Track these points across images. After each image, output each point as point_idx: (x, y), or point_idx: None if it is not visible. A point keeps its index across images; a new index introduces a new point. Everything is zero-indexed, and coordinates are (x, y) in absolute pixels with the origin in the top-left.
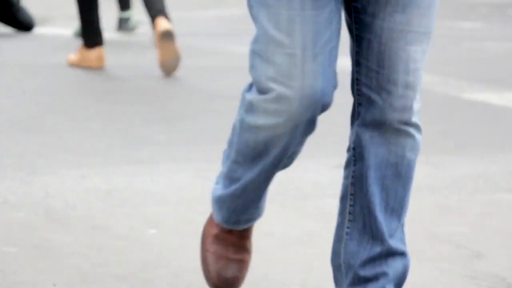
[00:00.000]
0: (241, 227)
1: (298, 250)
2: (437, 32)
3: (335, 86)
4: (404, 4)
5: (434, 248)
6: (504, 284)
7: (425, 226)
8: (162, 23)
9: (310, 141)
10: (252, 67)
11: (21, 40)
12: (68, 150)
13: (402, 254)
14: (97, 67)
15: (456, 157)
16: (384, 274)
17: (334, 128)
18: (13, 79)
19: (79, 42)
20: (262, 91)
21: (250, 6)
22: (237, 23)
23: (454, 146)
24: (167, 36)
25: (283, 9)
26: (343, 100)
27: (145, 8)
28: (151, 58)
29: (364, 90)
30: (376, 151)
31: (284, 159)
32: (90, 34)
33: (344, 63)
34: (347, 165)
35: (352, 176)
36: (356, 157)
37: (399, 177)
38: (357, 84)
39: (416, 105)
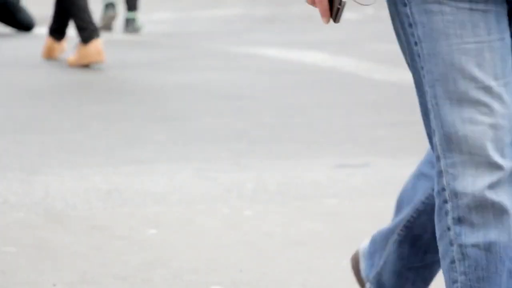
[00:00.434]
0: None
1: (298, 250)
2: None
3: None
4: None
5: None
6: None
7: None
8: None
9: (310, 141)
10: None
11: (21, 40)
12: (68, 150)
13: None
14: (98, 62)
15: None
16: None
17: (334, 128)
18: (13, 79)
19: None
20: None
21: (412, 43)
22: (237, 23)
23: None
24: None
25: (469, 37)
26: (343, 100)
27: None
28: (152, 58)
29: None
30: None
31: None
32: (84, 29)
33: (345, 61)
34: None
35: None
36: None
37: None
38: None
39: None
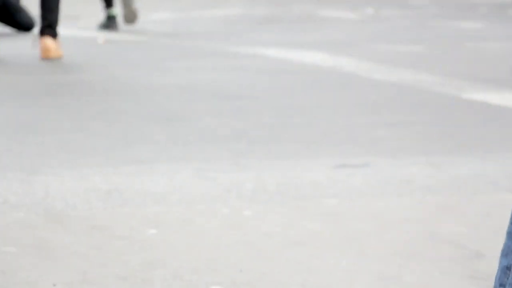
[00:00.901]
0: None
1: (298, 250)
2: (438, 32)
3: None
4: None
5: (434, 248)
6: None
7: (425, 226)
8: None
9: (310, 141)
10: None
11: (21, 40)
12: (68, 150)
13: None
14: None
15: (456, 157)
16: None
17: (334, 128)
18: (13, 79)
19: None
20: None
21: None
22: (237, 23)
23: (454, 146)
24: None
25: None
26: (343, 100)
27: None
28: (152, 59)
29: None
30: None
31: None
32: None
33: (345, 61)
34: None
35: None
36: None
37: None
38: None
39: None
